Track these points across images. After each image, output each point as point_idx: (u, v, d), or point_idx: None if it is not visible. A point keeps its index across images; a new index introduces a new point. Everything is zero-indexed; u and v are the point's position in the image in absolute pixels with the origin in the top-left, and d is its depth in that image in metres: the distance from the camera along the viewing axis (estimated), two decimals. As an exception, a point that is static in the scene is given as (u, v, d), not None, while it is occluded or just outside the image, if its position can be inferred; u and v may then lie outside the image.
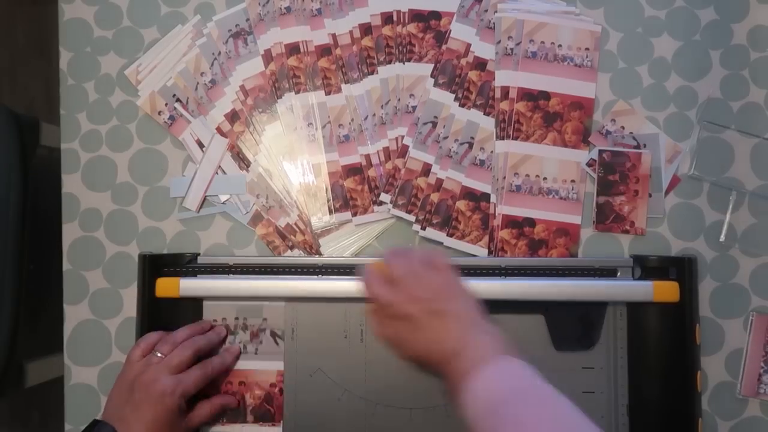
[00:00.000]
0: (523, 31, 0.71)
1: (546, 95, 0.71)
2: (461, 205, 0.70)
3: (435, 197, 0.70)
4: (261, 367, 0.69)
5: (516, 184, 0.70)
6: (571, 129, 0.71)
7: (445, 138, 0.71)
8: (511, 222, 0.70)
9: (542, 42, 0.71)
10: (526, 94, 0.71)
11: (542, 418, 0.48)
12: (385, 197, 0.71)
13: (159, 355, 0.63)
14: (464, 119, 0.71)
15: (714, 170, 0.70)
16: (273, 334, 0.69)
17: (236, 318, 0.70)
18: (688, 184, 0.70)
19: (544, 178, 0.70)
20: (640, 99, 0.71)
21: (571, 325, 0.68)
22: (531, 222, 0.70)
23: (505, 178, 0.70)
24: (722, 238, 0.69)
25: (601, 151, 0.70)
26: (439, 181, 0.71)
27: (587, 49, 0.71)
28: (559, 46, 0.71)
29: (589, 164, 0.71)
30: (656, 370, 0.67)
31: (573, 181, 0.70)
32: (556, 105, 0.71)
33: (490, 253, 0.70)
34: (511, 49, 0.71)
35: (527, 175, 0.70)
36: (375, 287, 0.59)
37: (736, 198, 0.70)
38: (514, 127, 0.71)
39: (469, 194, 0.71)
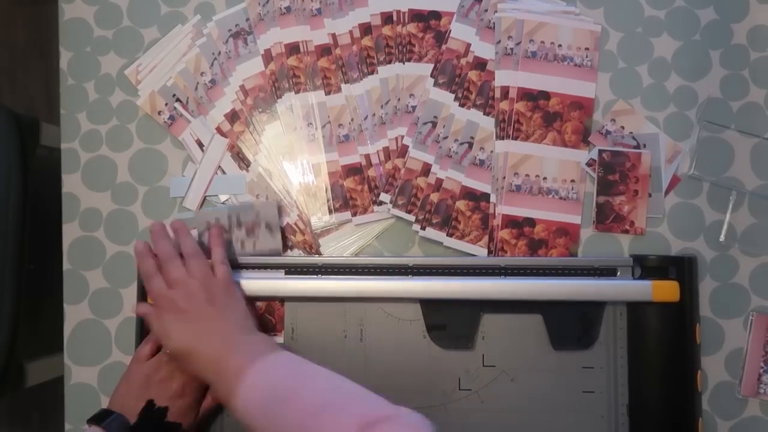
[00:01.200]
0: (523, 31, 0.71)
1: (546, 95, 0.71)
2: (461, 205, 0.70)
3: (435, 197, 0.70)
4: (262, 267, 0.69)
5: (516, 184, 0.70)
6: (571, 129, 0.71)
7: (445, 138, 0.71)
8: (511, 222, 0.70)
9: (542, 42, 0.71)
10: (526, 94, 0.71)
11: (317, 396, 0.51)
12: (384, 197, 0.71)
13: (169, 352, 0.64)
14: (464, 119, 0.71)
15: (714, 170, 0.70)
16: (267, 226, 0.69)
17: (229, 216, 0.69)
18: (688, 184, 0.70)
19: (544, 178, 0.70)
20: (640, 99, 0.71)
21: (570, 325, 0.68)
22: (531, 222, 0.70)
23: (504, 178, 0.70)
24: (722, 238, 0.69)
25: (601, 151, 0.70)
26: (439, 181, 0.71)
27: (587, 48, 0.71)
28: (559, 45, 0.71)
29: (588, 164, 0.71)
30: (656, 370, 0.67)
31: (573, 181, 0.70)
32: (556, 105, 0.71)
33: (489, 253, 0.70)
34: (511, 49, 0.71)
35: (527, 175, 0.70)
36: (152, 281, 0.62)
37: (736, 198, 0.70)
38: (514, 127, 0.71)
39: (468, 194, 0.71)
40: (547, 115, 0.71)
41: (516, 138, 0.71)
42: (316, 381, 0.53)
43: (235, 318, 0.61)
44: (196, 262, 0.63)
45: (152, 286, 0.62)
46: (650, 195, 0.70)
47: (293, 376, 0.54)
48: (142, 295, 0.68)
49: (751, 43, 0.71)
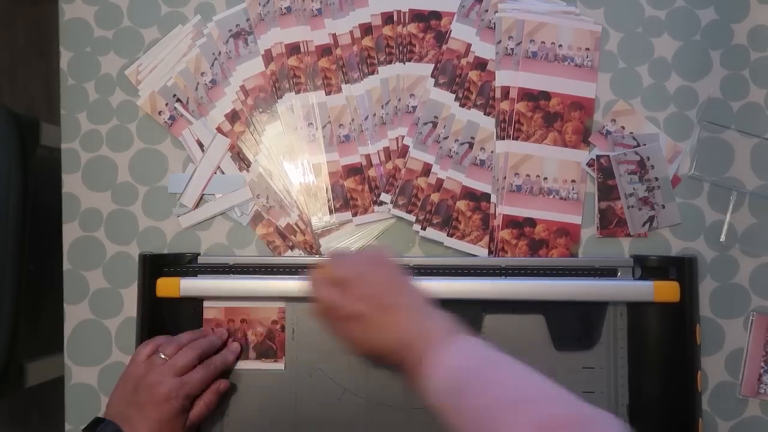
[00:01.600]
0: (523, 31, 0.71)
1: (546, 95, 0.71)
2: (461, 205, 0.70)
3: (435, 197, 0.70)
4: (262, 304, 0.69)
5: (516, 184, 0.70)
6: (572, 129, 0.71)
7: (446, 138, 0.71)
8: (511, 222, 0.70)
9: (542, 42, 0.71)
10: (527, 94, 0.71)
11: (505, 388, 0.49)
12: (385, 197, 0.71)
13: (163, 356, 0.64)
14: (464, 119, 0.71)
15: (714, 170, 0.70)
16: None
17: None
18: (689, 184, 0.70)
19: (545, 178, 0.70)
20: (640, 99, 0.71)
21: (572, 325, 0.68)
22: (531, 222, 0.70)
23: (505, 178, 0.70)
24: (722, 238, 0.69)
25: (598, 157, 0.70)
26: (440, 181, 0.71)
27: (587, 49, 0.71)
28: (560, 46, 0.71)
29: (589, 164, 0.71)
30: (656, 370, 0.67)
31: (573, 181, 0.70)
32: (557, 105, 0.71)
33: (490, 253, 0.70)
34: (512, 49, 0.71)
35: (527, 175, 0.70)
36: (321, 289, 0.60)
37: (736, 198, 0.70)
38: (514, 127, 0.71)
39: (469, 194, 0.70)
40: (547, 116, 0.71)
41: (516, 138, 0.71)
42: (508, 370, 0.51)
43: (409, 302, 0.58)
44: (363, 259, 0.61)
45: (324, 295, 0.59)
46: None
47: (482, 364, 0.51)
48: (143, 296, 0.68)
49: (751, 43, 0.71)
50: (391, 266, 0.61)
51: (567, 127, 0.71)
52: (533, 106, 0.71)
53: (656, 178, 0.69)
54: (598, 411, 0.45)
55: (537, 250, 0.70)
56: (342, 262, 0.60)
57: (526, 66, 0.71)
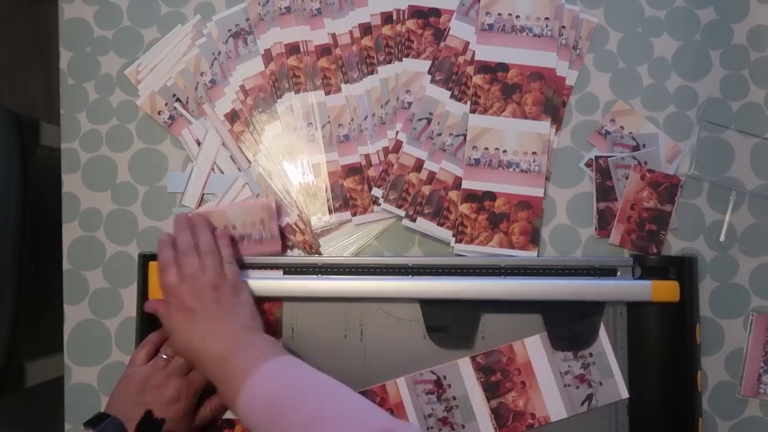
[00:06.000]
0: (479, 4, 0.70)
1: (504, 67, 0.70)
2: (454, 195, 0.70)
3: (426, 189, 0.70)
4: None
5: (474, 157, 0.70)
6: (532, 100, 0.70)
7: (439, 135, 0.71)
8: (470, 196, 0.69)
9: (499, 14, 0.70)
10: (483, 67, 0.70)
11: (315, 406, 0.51)
12: (377, 191, 0.71)
13: (165, 357, 0.64)
14: (459, 114, 0.71)
15: (714, 170, 0.70)
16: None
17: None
18: (688, 184, 0.70)
19: (504, 151, 0.70)
20: (640, 99, 0.71)
21: (569, 325, 0.67)
22: (491, 196, 0.69)
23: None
24: (722, 238, 0.69)
25: (597, 158, 0.70)
26: (432, 175, 0.70)
27: (546, 18, 0.70)
28: (517, 17, 0.70)
29: (587, 164, 0.71)
30: (656, 370, 0.67)
31: (534, 153, 0.70)
32: (515, 76, 0.70)
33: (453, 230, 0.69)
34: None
35: (486, 149, 0.70)
36: (166, 272, 0.61)
37: (736, 198, 0.70)
38: (471, 100, 0.70)
39: (461, 185, 0.70)
40: (506, 87, 0.70)
41: (474, 111, 0.70)
42: (318, 389, 0.53)
43: (241, 319, 0.60)
44: (210, 259, 0.62)
45: (165, 278, 0.61)
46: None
47: (294, 383, 0.53)
48: (143, 296, 0.68)
49: (751, 43, 0.71)
50: (234, 267, 0.63)
51: (527, 98, 0.70)
52: (490, 78, 0.70)
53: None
54: (401, 422, 0.54)
55: (498, 224, 0.69)
56: (191, 257, 0.62)
57: (483, 39, 0.70)
